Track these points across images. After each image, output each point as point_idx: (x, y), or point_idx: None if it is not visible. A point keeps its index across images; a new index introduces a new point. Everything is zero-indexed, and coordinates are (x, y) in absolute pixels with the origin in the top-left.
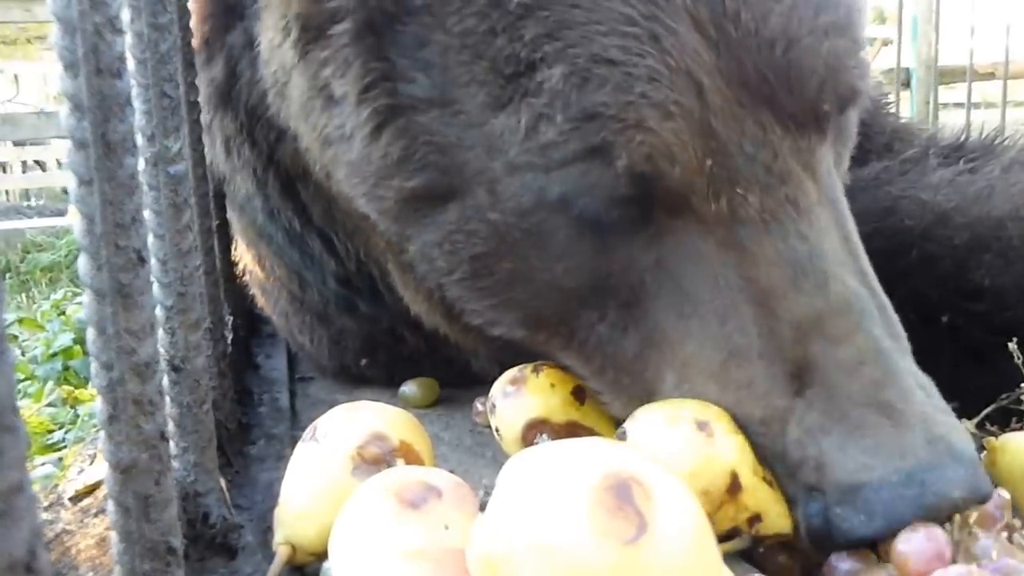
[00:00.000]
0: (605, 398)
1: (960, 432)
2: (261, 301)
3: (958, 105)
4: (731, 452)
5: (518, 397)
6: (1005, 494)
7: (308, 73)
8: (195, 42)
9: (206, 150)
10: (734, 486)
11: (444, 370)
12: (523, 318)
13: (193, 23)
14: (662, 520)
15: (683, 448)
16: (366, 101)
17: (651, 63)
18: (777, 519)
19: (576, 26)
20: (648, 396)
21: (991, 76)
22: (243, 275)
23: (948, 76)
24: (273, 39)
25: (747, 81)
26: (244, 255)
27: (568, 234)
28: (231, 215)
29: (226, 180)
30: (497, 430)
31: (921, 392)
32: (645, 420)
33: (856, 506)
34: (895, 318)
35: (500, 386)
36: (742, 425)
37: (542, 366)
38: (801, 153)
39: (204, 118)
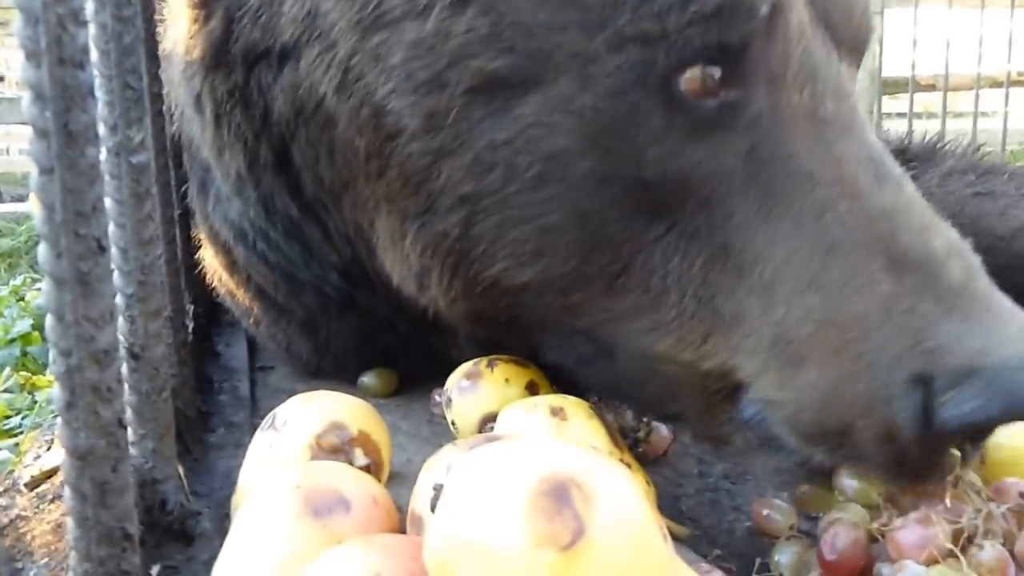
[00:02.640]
0: (644, 338)
1: None
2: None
3: (900, 115)
4: (584, 433)
5: (473, 391)
6: None
7: None
8: (193, 6)
9: (194, 132)
10: None
11: (426, 362)
12: (579, 241)
13: None
14: (600, 523)
15: (537, 434)
16: None
17: None
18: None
19: None
20: (712, 316)
21: (932, 88)
22: (211, 284)
23: (891, 87)
24: None
25: (815, 3)
26: (213, 263)
27: (664, 116)
28: (199, 222)
29: (211, 168)
30: (453, 423)
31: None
32: (507, 413)
33: (972, 390)
34: None
35: (455, 380)
36: (839, 326)
37: (497, 360)
38: (849, 80)
39: (191, 92)
